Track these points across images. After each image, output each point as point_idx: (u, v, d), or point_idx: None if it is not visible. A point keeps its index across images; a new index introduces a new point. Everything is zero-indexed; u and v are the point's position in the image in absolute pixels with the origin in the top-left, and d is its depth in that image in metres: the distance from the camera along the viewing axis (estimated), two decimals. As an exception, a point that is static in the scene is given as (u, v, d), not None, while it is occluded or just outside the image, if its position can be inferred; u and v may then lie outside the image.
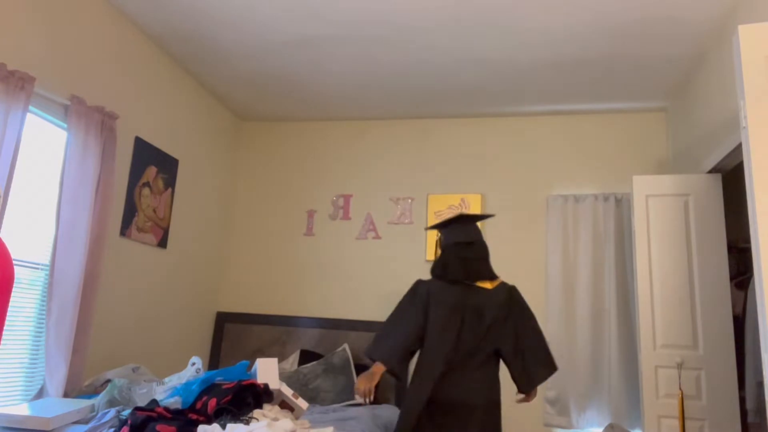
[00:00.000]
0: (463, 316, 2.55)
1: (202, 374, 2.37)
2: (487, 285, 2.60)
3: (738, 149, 2.92)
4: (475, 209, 4.29)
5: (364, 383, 2.47)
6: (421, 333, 2.58)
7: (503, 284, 2.66)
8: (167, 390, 2.40)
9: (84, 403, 2.44)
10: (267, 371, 2.29)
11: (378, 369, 2.51)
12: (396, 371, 2.53)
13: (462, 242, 2.63)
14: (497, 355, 2.61)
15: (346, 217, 4.54)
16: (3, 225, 2.47)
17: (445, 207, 4.36)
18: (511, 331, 2.58)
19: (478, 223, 2.80)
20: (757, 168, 1.95)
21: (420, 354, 2.60)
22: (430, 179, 4.48)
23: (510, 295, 2.62)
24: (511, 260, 4.19)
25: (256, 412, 2.01)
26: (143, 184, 3.57)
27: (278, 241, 4.62)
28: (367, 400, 2.46)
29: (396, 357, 2.53)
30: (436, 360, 2.52)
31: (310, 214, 4.61)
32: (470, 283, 2.60)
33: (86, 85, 3.07)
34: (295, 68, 3.88)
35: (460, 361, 2.52)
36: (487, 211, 4.31)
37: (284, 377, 3.82)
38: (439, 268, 2.67)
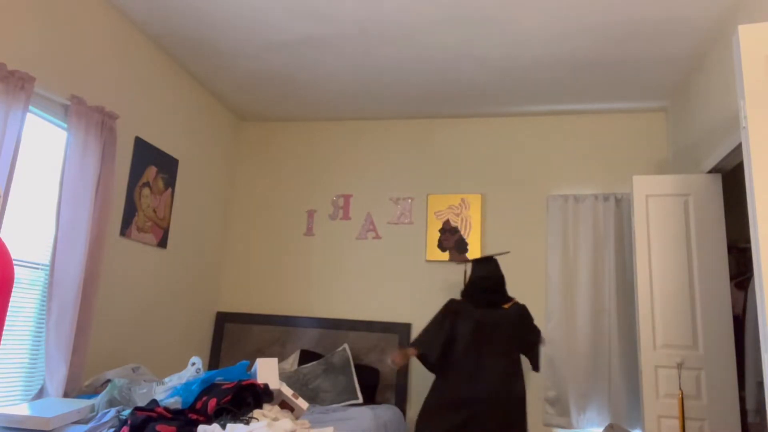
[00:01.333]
0: (483, 329, 3.25)
1: (202, 374, 2.37)
2: (503, 307, 3.35)
3: (738, 149, 2.92)
4: (475, 209, 4.29)
5: (398, 355, 3.23)
6: (449, 339, 3.30)
7: (515, 305, 3.38)
8: (167, 390, 2.40)
9: (84, 403, 2.44)
10: (267, 371, 2.29)
11: (412, 351, 3.27)
12: (429, 358, 3.26)
13: (483, 276, 3.42)
14: (516, 354, 3.28)
15: (346, 217, 4.54)
16: (3, 225, 2.47)
17: (445, 207, 4.37)
18: (520, 338, 3.32)
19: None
20: (757, 168, 1.95)
21: (449, 357, 3.28)
22: (430, 179, 4.48)
23: (520, 313, 3.35)
24: (512, 260, 4.19)
25: (256, 412, 2.01)
26: (143, 184, 3.57)
27: (278, 241, 4.62)
28: (393, 364, 3.23)
29: (434, 350, 3.26)
30: (464, 362, 3.20)
31: (310, 214, 4.61)
32: (488, 306, 3.33)
33: (86, 85, 3.07)
34: (295, 68, 3.88)
35: (485, 363, 3.18)
36: (487, 211, 4.32)
37: (284, 377, 3.82)
38: (467, 292, 3.47)
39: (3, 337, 2.56)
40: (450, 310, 3.38)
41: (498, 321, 3.27)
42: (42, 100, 2.78)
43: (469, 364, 3.17)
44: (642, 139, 4.21)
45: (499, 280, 3.42)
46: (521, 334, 3.31)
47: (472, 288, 3.43)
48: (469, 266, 3.75)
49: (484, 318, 3.28)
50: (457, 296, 3.94)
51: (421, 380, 4.12)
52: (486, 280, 3.40)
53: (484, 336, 3.22)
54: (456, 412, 3.08)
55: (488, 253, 4.24)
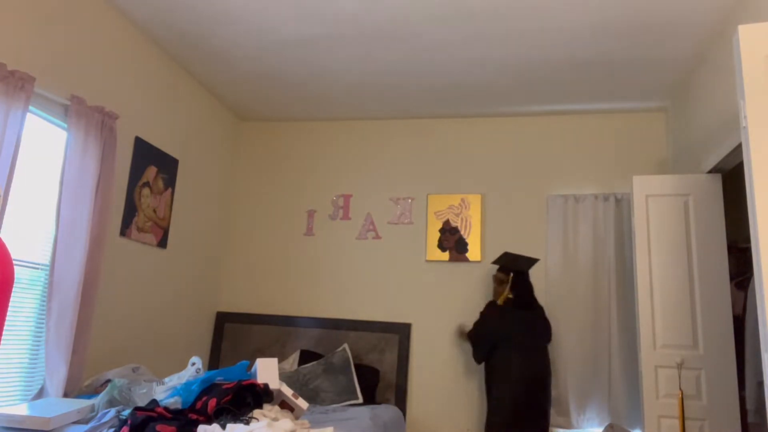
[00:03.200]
0: (518, 328, 3.66)
1: (202, 374, 2.37)
2: (531, 309, 3.77)
3: (738, 149, 2.92)
4: (475, 209, 4.30)
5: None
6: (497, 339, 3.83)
7: (540, 307, 3.82)
8: (167, 390, 2.40)
9: (84, 403, 2.44)
10: (267, 371, 2.29)
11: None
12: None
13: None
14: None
15: (346, 217, 4.54)
16: (3, 225, 2.47)
17: (445, 207, 4.37)
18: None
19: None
20: (757, 168, 1.95)
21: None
22: (430, 179, 4.48)
23: (541, 313, 3.80)
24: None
25: (256, 412, 2.01)
26: (143, 184, 3.57)
27: (278, 241, 4.62)
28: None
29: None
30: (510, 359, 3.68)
31: (310, 214, 4.61)
32: (522, 309, 3.76)
33: (86, 85, 3.07)
34: (295, 68, 3.88)
35: (524, 357, 3.62)
36: (487, 211, 4.32)
37: (284, 377, 3.82)
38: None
39: (3, 337, 2.56)
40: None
41: (527, 322, 3.69)
42: (42, 100, 2.78)
43: (513, 361, 3.63)
44: (642, 139, 4.21)
45: (529, 287, 3.83)
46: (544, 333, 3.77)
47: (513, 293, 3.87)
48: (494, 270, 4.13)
49: (517, 318, 3.70)
50: (456, 295, 4.26)
51: (421, 380, 4.13)
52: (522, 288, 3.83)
53: (518, 336, 3.66)
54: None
55: (490, 252, 4.25)
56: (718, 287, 3.25)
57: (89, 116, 2.98)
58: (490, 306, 3.84)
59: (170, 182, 3.86)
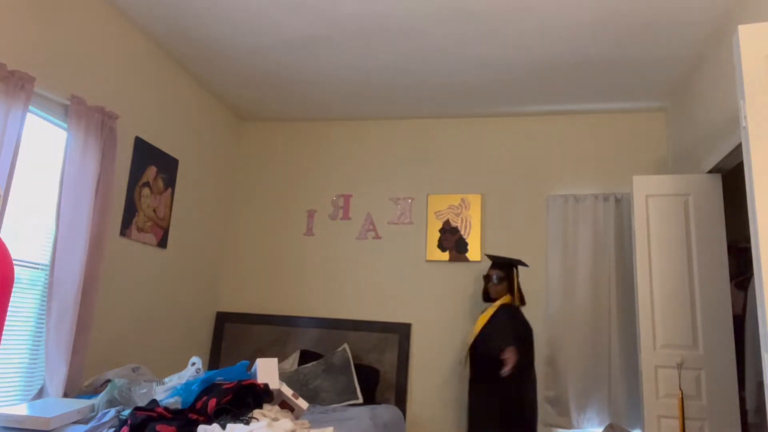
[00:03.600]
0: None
1: (202, 374, 2.37)
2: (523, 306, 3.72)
3: (738, 149, 2.92)
4: (475, 209, 4.29)
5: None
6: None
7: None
8: (167, 390, 2.40)
9: (84, 403, 2.44)
10: (267, 371, 2.29)
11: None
12: None
13: None
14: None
15: (346, 217, 4.54)
16: (3, 225, 2.47)
17: (445, 207, 4.37)
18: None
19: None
20: (757, 168, 1.95)
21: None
22: (430, 179, 4.48)
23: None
24: (511, 260, 4.18)
25: (256, 412, 2.01)
26: (143, 184, 3.57)
27: (278, 241, 4.62)
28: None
29: None
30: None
31: (310, 214, 4.61)
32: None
33: (86, 85, 3.07)
34: (295, 68, 3.88)
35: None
36: (487, 211, 4.32)
37: (284, 377, 3.82)
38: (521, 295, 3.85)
39: (3, 337, 2.56)
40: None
41: (526, 320, 3.63)
42: (42, 100, 2.78)
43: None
44: (642, 139, 4.21)
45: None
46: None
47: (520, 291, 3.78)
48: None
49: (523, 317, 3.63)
50: (456, 295, 4.24)
51: (421, 380, 4.13)
52: None
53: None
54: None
55: (490, 252, 4.25)
56: (718, 287, 3.25)
57: (89, 116, 2.98)
58: (510, 307, 3.59)
59: (170, 182, 3.86)
